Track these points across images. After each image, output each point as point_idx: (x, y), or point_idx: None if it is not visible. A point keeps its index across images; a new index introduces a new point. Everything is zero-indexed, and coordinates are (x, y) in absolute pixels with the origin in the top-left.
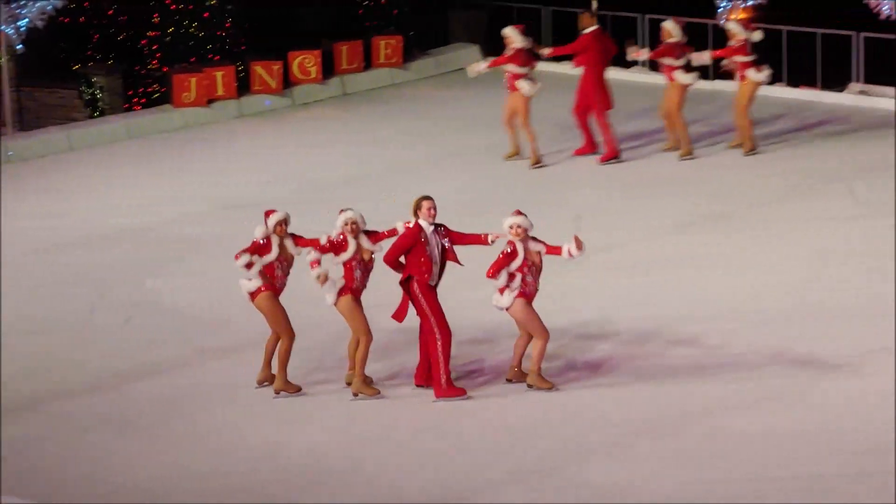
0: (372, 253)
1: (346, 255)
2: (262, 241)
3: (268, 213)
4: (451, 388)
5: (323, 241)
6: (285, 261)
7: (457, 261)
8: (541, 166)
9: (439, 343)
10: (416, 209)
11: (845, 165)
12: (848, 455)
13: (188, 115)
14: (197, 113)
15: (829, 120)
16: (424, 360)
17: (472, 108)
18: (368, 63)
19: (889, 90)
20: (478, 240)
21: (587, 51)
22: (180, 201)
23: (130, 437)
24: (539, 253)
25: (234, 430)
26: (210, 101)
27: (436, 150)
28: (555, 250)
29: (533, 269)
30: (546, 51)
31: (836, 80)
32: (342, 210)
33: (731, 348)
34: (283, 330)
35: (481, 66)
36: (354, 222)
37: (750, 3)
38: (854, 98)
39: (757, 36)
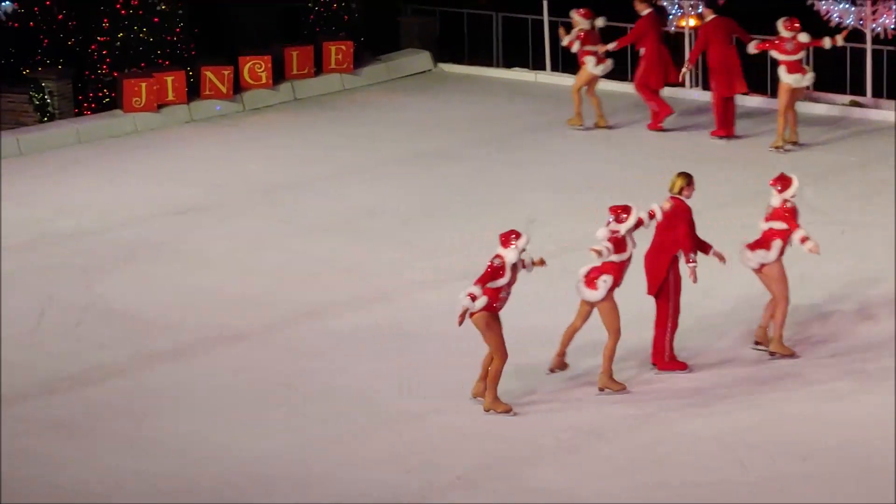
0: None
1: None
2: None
3: (510, 236)
4: (674, 363)
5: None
6: (513, 283)
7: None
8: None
9: (670, 322)
10: (684, 187)
11: None
12: (797, 459)
13: (138, 120)
14: (147, 118)
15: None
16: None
17: (421, 113)
18: (319, 68)
19: None
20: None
21: (647, 34)
22: (130, 206)
23: (80, 441)
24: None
25: (184, 434)
26: (160, 107)
27: (385, 156)
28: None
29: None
30: (611, 46)
31: None
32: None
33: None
34: (497, 349)
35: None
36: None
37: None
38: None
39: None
